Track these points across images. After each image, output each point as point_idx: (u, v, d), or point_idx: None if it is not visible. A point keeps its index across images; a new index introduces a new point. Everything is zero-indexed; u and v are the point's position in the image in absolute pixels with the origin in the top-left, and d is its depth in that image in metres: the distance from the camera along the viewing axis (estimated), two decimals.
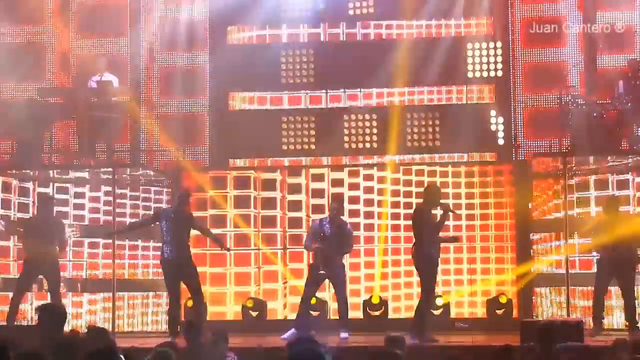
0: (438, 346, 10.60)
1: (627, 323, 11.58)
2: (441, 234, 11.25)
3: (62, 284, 12.74)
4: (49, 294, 12.28)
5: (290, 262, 13.95)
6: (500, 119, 14.13)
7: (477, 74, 14.21)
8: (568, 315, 12.47)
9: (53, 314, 7.33)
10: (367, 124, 14.48)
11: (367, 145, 14.45)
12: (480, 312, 13.56)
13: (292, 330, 11.60)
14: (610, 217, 11.75)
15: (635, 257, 11.68)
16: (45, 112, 13.32)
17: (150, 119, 14.37)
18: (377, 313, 13.38)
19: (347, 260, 12.66)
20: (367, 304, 13.53)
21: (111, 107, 13.39)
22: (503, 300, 13.28)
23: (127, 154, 14.43)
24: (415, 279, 12.23)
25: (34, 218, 12.63)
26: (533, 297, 13.43)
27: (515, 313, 13.21)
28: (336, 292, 12.00)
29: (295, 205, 14.02)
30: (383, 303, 13.48)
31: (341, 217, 12.25)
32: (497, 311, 13.23)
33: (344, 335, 11.67)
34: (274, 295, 13.87)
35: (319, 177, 14.15)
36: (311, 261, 12.31)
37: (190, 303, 13.51)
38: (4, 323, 11.92)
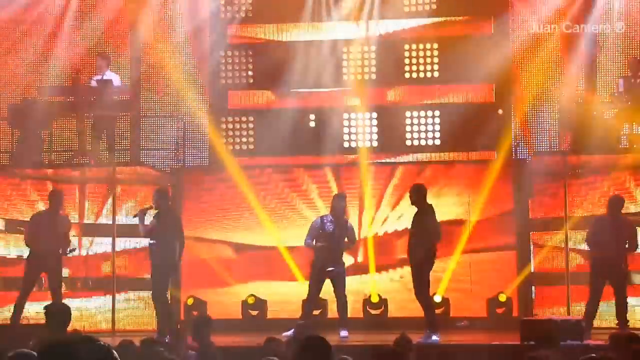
0: (442, 345, 10.58)
1: (618, 321, 11.61)
2: None
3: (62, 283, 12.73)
4: (50, 292, 12.24)
5: None
6: (500, 119, 14.12)
7: (477, 74, 14.18)
8: (568, 314, 12.48)
9: (59, 313, 7.35)
10: (367, 122, 14.50)
11: (367, 143, 14.45)
12: (480, 311, 13.54)
13: (294, 329, 11.57)
14: (613, 218, 11.74)
15: (627, 258, 11.71)
16: (46, 111, 13.31)
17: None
18: (376, 312, 13.40)
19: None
20: (366, 302, 13.55)
21: (111, 106, 13.38)
22: (503, 299, 13.30)
23: (127, 152, 14.39)
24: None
25: (40, 213, 12.58)
26: (533, 296, 13.46)
27: (515, 312, 13.22)
28: (336, 290, 11.95)
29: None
30: (382, 302, 13.50)
31: (344, 214, 12.20)
32: (497, 310, 13.24)
33: (344, 334, 11.65)
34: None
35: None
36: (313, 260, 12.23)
37: (190, 301, 13.56)
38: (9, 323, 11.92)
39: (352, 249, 12.85)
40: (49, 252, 12.01)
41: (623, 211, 12.06)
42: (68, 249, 12.20)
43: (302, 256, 12.99)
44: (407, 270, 13.04)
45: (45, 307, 7.68)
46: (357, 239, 12.23)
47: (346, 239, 11.93)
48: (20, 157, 13.27)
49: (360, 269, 13.87)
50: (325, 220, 11.90)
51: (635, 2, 13.72)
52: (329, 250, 11.74)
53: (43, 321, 7.86)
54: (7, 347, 5.61)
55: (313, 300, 11.98)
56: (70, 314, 7.60)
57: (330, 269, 11.76)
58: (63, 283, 12.63)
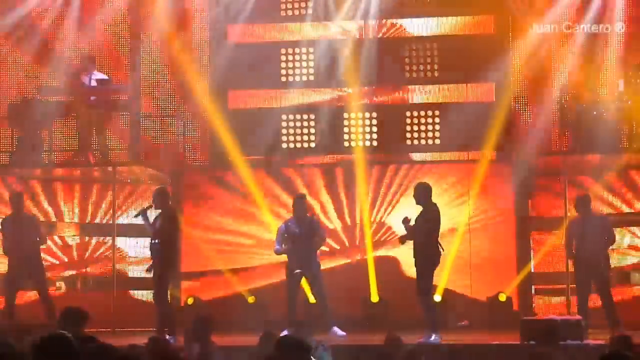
0: (442, 345, 10.56)
1: (609, 322, 11.56)
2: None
3: (62, 282, 12.73)
4: (36, 290, 12.25)
5: None
6: (500, 118, 14.12)
7: (477, 73, 14.16)
8: (568, 314, 12.47)
9: (74, 316, 7.36)
10: (367, 121, 14.51)
11: (367, 143, 14.46)
12: (480, 311, 13.54)
13: (286, 330, 11.55)
14: (584, 217, 11.70)
15: (608, 257, 11.67)
16: (46, 111, 13.31)
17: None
18: (376, 312, 13.40)
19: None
20: (366, 302, 13.54)
21: (111, 106, 13.38)
22: (502, 298, 13.30)
23: (127, 152, 14.39)
24: None
25: (8, 217, 12.51)
26: (533, 296, 13.46)
27: (515, 311, 13.21)
28: (315, 291, 11.91)
29: None
30: (382, 302, 13.49)
31: (306, 214, 12.07)
32: (497, 310, 13.24)
33: (340, 333, 11.58)
34: None
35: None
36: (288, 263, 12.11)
37: (190, 301, 13.57)
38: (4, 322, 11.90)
39: (351, 247, 12.84)
40: (23, 253, 12.02)
41: (630, 210, 12.02)
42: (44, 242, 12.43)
43: None
44: (407, 270, 13.10)
45: (62, 312, 7.66)
46: (326, 234, 12.10)
47: (316, 237, 11.83)
48: (20, 157, 13.27)
49: (360, 269, 13.89)
50: (289, 223, 11.83)
51: (635, 2, 13.72)
52: (298, 252, 11.68)
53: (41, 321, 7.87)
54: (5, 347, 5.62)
55: (294, 303, 11.90)
56: (82, 316, 7.57)
57: (297, 271, 11.70)
58: (63, 283, 12.65)
